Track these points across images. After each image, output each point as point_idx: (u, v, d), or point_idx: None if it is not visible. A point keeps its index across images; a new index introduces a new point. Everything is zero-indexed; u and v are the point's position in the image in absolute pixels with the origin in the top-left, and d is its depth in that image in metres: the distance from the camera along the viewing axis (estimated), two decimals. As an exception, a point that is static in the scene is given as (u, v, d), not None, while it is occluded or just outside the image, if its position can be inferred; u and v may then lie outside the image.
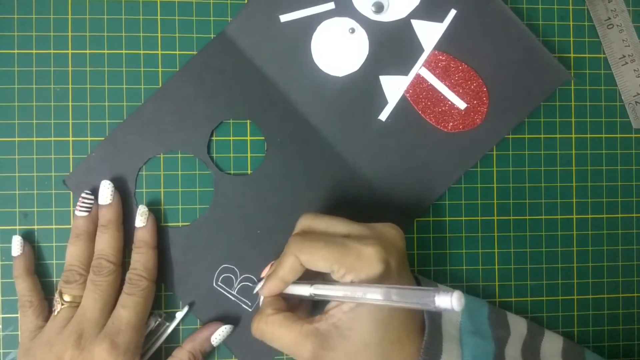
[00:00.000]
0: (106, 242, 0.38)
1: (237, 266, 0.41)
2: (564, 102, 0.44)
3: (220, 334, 0.38)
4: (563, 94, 0.44)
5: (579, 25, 0.44)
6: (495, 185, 0.43)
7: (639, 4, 0.44)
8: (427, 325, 0.34)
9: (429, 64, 0.41)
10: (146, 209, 0.39)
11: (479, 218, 0.43)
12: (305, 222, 0.35)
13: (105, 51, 0.40)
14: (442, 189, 0.42)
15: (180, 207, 0.41)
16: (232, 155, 0.41)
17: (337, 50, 0.41)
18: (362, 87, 0.41)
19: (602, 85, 0.44)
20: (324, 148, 0.41)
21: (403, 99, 0.41)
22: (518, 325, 0.40)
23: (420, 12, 0.41)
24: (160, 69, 0.41)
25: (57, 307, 0.37)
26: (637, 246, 0.44)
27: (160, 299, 0.40)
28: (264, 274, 0.37)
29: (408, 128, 0.41)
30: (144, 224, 0.38)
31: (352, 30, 0.41)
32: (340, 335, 0.32)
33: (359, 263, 0.31)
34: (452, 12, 0.41)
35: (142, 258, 0.38)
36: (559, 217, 0.44)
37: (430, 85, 0.41)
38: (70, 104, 0.40)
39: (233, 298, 0.41)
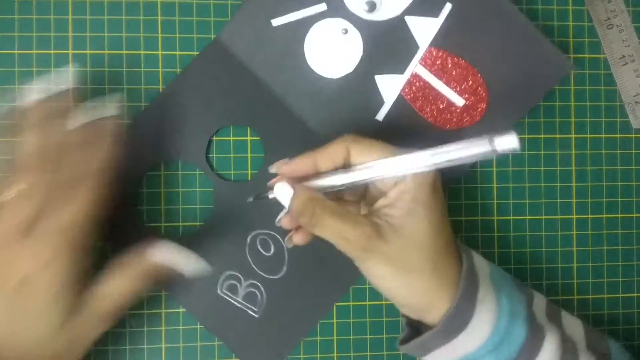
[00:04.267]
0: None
1: (241, 273, 0.41)
2: (564, 102, 0.44)
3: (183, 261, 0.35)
4: (563, 94, 0.44)
5: (579, 25, 0.44)
6: (495, 185, 0.43)
7: (639, 4, 0.44)
8: (464, 259, 0.34)
9: (425, 61, 0.41)
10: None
11: (479, 218, 0.43)
12: (349, 136, 0.33)
13: (106, 51, 0.40)
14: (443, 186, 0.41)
15: (180, 214, 0.41)
16: (232, 159, 0.41)
17: (331, 51, 0.41)
18: (358, 88, 0.41)
19: (602, 85, 0.44)
20: None
21: (400, 98, 0.41)
22: (538, 295, 0.39)
23: (415, 8, 0.40)
24: (160, 69, 0.41)
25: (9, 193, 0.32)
26: (637, 246, 0.44)
27: (160, 299, 0.40)
28: (275, 165, 0.34)
29: (406, 127, 0.41)
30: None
31: (345, 31, 0.40)
32: (393, 231, 0.31)
33: None
34: (448, 6, 0.40)
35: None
36: (558, 217, 0.44)
37: (427, 82, 0.41)
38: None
39: (239, 305, 0.40)
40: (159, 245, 0.35)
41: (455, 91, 0.41)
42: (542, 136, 0.44)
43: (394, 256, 0.32)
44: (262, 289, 0.41)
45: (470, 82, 0.41)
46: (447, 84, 0.41)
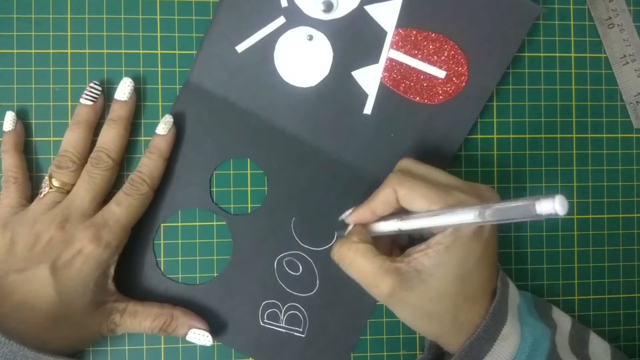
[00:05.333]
0: (110, 137, 0.38)
1: (277, 299, 0.41)
2: (564, 102, 0.44)
3: (198, 335, 0.38)
4: (564, 94, 0.44)
5: (580, 24, 0.44)
6: (495, 185, 0.43)
7: (640, 4, 0.44)
8: (498, 292, 0.34)
9: (396, 44, 0.40)
10: (172, 119, 0.39)
11: (480, 218, 0.43)
12: (406, 163, 0.36)
13: (105, 51, 0.40)
14: (447, 159, 0.41)
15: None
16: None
17: (302, 61, 0.40)
18: (338, 88, 0.41)
19: (603, 85, 0.44)
20: (322, 159, 0.41)
21: (382, 86, 0.41)
22: (562, 320, 0.39)
23: (372, -4, 0.40)
24: (159, 69, 0.41)
25: (45, 189, 0.37)
26: (637, 246, 0.44)
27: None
28: (343, 216, 0.37)
29: (396, 113, 0.41)
30: (164, 133, 0.38)
31: (311, 37, 0.40)
32: (420, 279, 0.32)
33: None
34: None
35: (150, 164, 0.38)
36: (559, 217, 0.43)
37: (404, 64, 0.40)
38: (69, 103, 0.40)
39: (284, 330, 0.41)
40: (184, 311, 0.38)
41: (433, 65, 0.40)
42: (543, 136, 0.43)
43: (415, 304, 0.33)
44: (301, 308, 0.41)
45: (446, 52, 0.40)
46: (424, 60, 0.40)
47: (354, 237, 0.34)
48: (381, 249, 0.35)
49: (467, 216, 0.29)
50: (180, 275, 0.40)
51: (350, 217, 0.36)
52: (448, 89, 0.41)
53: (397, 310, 0.34)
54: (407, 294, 0.32)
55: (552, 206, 0.24)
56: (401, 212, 0.34)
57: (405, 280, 0.32)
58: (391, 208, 0.34)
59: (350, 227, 0.36)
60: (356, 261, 0.33)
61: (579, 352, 0.37)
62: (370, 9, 0.40)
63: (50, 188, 0.37)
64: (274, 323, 0.41)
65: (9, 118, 0.38)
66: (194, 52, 0.41)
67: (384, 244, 0.37)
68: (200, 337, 0.37)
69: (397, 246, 0.39)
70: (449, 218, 0.30)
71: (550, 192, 0.25)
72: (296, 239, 0.41)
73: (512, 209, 0.27)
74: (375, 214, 0.35)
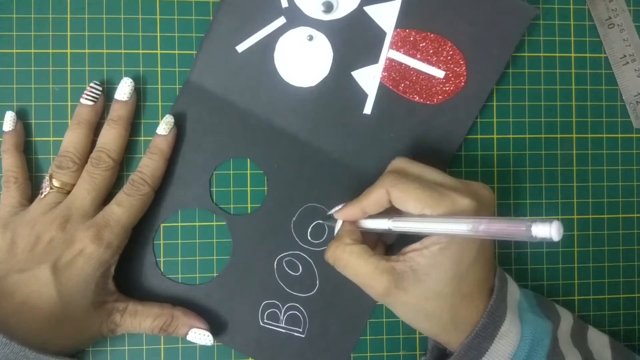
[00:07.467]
0: (111, 137, 0.38)
1: (277, 299, 0.41)
2: (564, 102, 0.44)
3: (199, 335, 0.38)
4: (564, 94, 0.44)
5: (580, 24, 0.44)
6: (495, 185, 0.43)
7: (640, 4, 0.44)
8: (496, 289, 0.34)
9: (396, 45, 0.41)
10: (173, 119, 0.39)
11: (480, 218, 0.43)
12: (399, 163, 0.35)
13: (104, 51, 0.40)
14: (446, 158, 0.41)
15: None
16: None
17: (302, 61, 0.40)
18: (338, 88, 0.41)
19: (603, 85, 0.44)
20: (322, 159, 0.41)
21: (381, 86, 0.41)
22: (565, 314, 0.39)
23: (371, -3, 0.40)
24: (159, 69, 0.41)
25: (45, 190, 0.37)
26: (637, 246, 0.44)
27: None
28: (332, 211, 0.37)
29: (396, 113, 0.41)
30: (166, 133, 0.38)
31: (311, 37, 0.40)
32: (415, 279, 0.32)
33: (453, 212, 0.31)
34: None
35: (152, 164, 0.38)
36: (559, 217, 0.43)
37: (404, 64, 0.41)
38: (69, 103, 0.40)
39: (284, 330, 0.41)
40: (184, 311, 0.38)
41: (432, 65, 0.41)
42: (543, 136, 0.43)
43: (411, 304, 0.33)
44: (301, 308, 0.41)
45: (445, 52, 0.41)
46: (423, 60, 0.41)
47: (347, 239, 0.34)
48: (367, 243, 0.34)
49: (460, 227, 0.29)
50: (180, 275, 0.40)
51: (339, 212, 0.36)
52: (447, 88, 0.41)
53: (395, 309, 0.34)
54: (403, 293, 0.32)
55: (548, 231, 0.24)
56: (391, 210, 0.34)
57: (401, 280, 0.32)
58: (382, 208, 0.34)
59: (338, 223, 0.36)
60: (351, 262, 0.33)
61: (581, 346, 0.37)
62: (369, 9, 0.40)
63: (51, 188, 0.37)
64: (274, 323, 0.41)
65: (9, 118, 0.38)
66: (194, 52, 0.41)
67: (370, 239, 0.37)
68: (201, 336, 0.37)
69: (382, 242, 0.39)
70: (442, 226, 0.30)
71: (548, 216, 0.25)
72: (296, 239, 0.41)
73: (506, 228, 0.27)
74: (366, 212, 0.35)
